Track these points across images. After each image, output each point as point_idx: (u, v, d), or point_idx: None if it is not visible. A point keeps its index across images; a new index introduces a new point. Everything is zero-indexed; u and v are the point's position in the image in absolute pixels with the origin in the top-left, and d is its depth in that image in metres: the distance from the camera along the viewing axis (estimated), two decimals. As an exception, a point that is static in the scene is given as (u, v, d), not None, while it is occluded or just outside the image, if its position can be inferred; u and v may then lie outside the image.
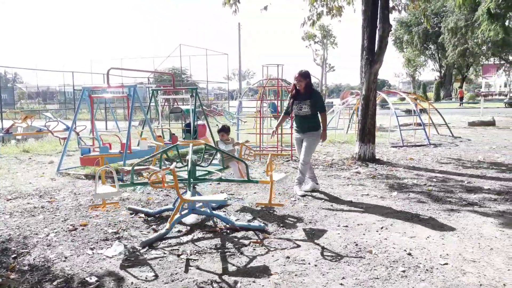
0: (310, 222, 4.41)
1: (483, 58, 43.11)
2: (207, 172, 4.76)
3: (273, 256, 3.51)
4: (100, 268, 3.31)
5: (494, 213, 4.67)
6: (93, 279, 3.09)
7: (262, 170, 7.34)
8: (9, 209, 5.00)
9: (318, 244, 3.76)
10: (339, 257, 3.46)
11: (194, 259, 3.46)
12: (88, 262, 3.42)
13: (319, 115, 5.66)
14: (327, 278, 3.08)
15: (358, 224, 4.32)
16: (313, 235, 4.02)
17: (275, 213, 4.75)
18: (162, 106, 13.37)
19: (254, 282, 3.04)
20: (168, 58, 25.22)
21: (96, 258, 3.50)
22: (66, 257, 3.52)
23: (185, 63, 38.29)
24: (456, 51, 39.76)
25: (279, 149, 9.37)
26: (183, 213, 4.32)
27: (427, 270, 3.19)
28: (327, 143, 10.90)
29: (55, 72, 36.38)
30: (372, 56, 8.13)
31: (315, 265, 3.31)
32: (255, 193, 5.68)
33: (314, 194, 5.64)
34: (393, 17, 46.94)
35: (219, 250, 3.65)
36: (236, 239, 3.92)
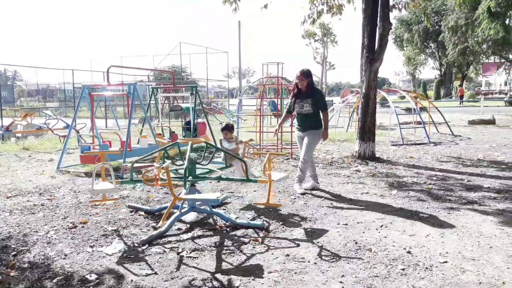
0: (309, 220, 4.41)
1: (483, 56, 43.05)
2: (208, 170, 4.76)
3: (272, 254, 3.52)
4: (100, 265, 3.31)
5: (493, 211, 4.67)
6: (93, 276, 3.10)
7: (262, 168, 7.33)
8: (9, 207, 5.00)
9: (317, 242, 3.76)
10: (338, 255, 3.46)
11: (193, 257, 3.47)
12: (88, 259, 3.43)
13: (320, 113, 5.67)
14: (326, 276, 3.08)
15: (358, 222, 4.32)
16: (312, 233, 4.02)
17: (274, 211, 4.75)
18: (162, 104, 13.36)
19: (253, 280, 3.04)
20: (168, 56, 25.24)
21: (96, 256, 3.50)
22: (66, 255, 3.52)
23: (185, 61, 38.25)
24: (456, 50, 39.70)
25: (279, 147, 9.37)
26: (183, 211, 4.32)
27: (426, 268, 3.20)
28: (327, 141, 10.89)
29: (55, 70, 36.38)
30: (372, 54, 8.12)
31: (315, 263, 3.31)
32: (255, 191, 5.69)
33: (314, 192, 5.64)
34: (394, 15, 46.84)
35: (219, 248, 3.65)
36: (236, 237, 3.92)
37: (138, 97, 7.89)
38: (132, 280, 3.04)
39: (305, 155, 5.59)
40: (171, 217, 4.17)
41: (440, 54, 49.46)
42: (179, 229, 4.16)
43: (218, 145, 5.55)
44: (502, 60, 44.10)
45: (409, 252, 3.51)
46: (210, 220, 4.43)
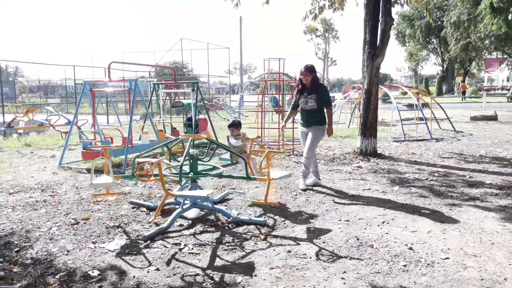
0: (311, 217, 4.41)
1: (486, 52, 42.87)
2: (212, 167, 4.76)
3: (274, 250, 3.52)
4: (102, 261, 3.32)
5: (495, 207, 4.67)
6: (95, 272, 3.11)
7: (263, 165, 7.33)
8: (11, 203, 5.02)
9: (319, 239, 3.76)
10: (340, 252, 3.47)
11: (195, 253, 3.48)
12: (90, 255, 3.44)
13: (325, 109, 5.66)
14: (328, 272, 3.09)
15: (360, 219, 4.33)
16: (314, 229, 4.02)
17: (276, 207, 4.75)
18: (164, 100, 13.35)
19: (255, 276, 3.05)
20: (169, 52, 25.18)
21: (98, 252, 3.51)
22: (68, 251, 3.53)
23: (186, 57, 38.24)
24: (459, 45, 39.56)
25: (280, 144, 9.37)
26: (184, 207, 4.33)
27: (428, 264, 3.20)
28: (329, 138, 10.88)
29: (57, 66, 36.26)
30: (374, 50, 8.09)
31: (316, 259, 3.32)
32: (256, 187, 5.69)
33: (315, 188, 5.64)
34: (396, 10, 46.76)
35: (221, 244, 3.66)
36: (237, 233, 3.93)
37: (139, 93, 7.89)
38: (134, 276, 3.05)
39: (309, 151, 5.59)
40: (173, 214, 4.18)
41: (442, 49, 49.27)
42: (181, 225, 4.17)
43: (225, 142, 5.54)
44: (505, 56, 43.91)
45: (410, 248, 3.51)
46: (212, 217, 4.44)
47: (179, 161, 4.82)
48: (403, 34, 49.85)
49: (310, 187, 5.66)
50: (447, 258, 3.30)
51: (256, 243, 3.68)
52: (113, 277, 3.05)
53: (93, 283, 2.96)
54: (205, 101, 15.28)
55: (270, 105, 15.81)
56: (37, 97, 39.07)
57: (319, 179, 5.89)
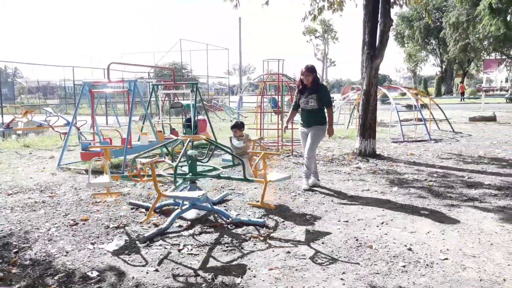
0: (310, 217, 4.41)
1: (485, 53, 42.92)
2: (212, 168, 4.75)
3: (273, 251, 3.52)
4: (101, 262, 3.32)
5: (494, 208, 4.67)
6: (94, 273, 3.11)
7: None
8: (10, 204, 5.01)
9: (318, 239, 3.76)
10: (339, 252, 3.47)
11: (194, 254, 3.47)
12: (89, 256, 3.43)
13: (325, 109, 5.67)
14: (327, 273, 3.09)
15: (359, 219, 4.33)
16: (313, 230, 4.02)
17: (275, 208, 4.75)
18: (163, 101, 13.34)
19: (255, 277, 3.05)
20: (168, 53, 25.17)
21: (97, 253, 3.51)
22: (67, 252, 3.53)
23: (186, 58, 38.25)
24: (458, 46, 39.61)
25: (279, 144, 9.37)
26: (183, 208, 4.33)
27: (427, 265, 3.20)
28: (328, 138, 10.89)
29: (56, 67, 36.15)
30: (373, 51, 8.10)
31: (316, 260, 3.32)
32: (255, 188, 5.69)
33: (315, 189, 5.64)
34: (395, 11, 46.77)
35: (220, 245, 3.66)
36: (236, 234, 3.92)
37: (138, 94, 7.88)
38: (133, 277, 3.05)
39: (309, 151, 5.59)
40: (172, 214, 4.18)
41: (441, 50, 49.34)
42: (180, 226, 4.17)
43: (225, 143, 5.54)
44: (503, 57, 43.98)
45: (409, 249, 3.52)
46: (211, 218, 4.44)
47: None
48: (402, 35, 49.92)
49: (310, 186, 5.66)
50: (446, 259, 3.31)
51: (255, 244, 3.67)
52: (112, 278, 3.04)
53: (92, 284, 2.96)
54: (204, 102, 15.28)
55: (269, 106, 15.81)
56: (36, 98, 39.00)
57: (318, 179, 5.89)
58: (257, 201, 4.90)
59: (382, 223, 4.21)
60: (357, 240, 3.74)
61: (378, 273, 3.07)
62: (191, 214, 4.43)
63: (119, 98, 24.37)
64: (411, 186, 5.77)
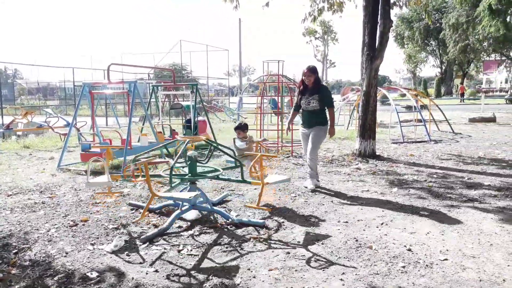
0: (310, 218, 4.42)
1: (484, 54, 42.96)
2: (213, 169, 4.76)
3: (273, 251, 3.52)
4: (101, 263, 3.32)
5: (494, 209, 4.68)
6: (94, 274, 3.11)
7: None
8: (10, 205, 5.01)
9: (318, 240, 3.76)
10: (339, 253, 3.47)
11: (194, 255, 3.47)
12: (89, 257, 3.44)
13: (326, 110, 5.67)
14: (327, 274, 3.09)
15: (358, 220, 4.33)
16: (313, 231, 4.02)
17: (275, 209, 4.76)
18: (163, 102, 13.35)
19: (254, 277, 3.05)
20: (168, 54, 25.22)
21: (96, 254, 3.51)
22: (67, 253, 3.53)
23: (186, 59, 38.26)
24: (457, 47, 39.65)
25: (279, 145, 9.37)
26: (183, 209, 4.33)
27: (427, 265, 3.20)
28: (328, 139, 10.90)
29: (56, 68, 36.22)
30: (373, 52, 8.11)
31: (315, 261, 3.32)
32: (255, 189, 5.68)
33: (315, 190, 5.63)
34: (394, 13, 46.81)
35: (220, 246, 3.66)
36: (236, 235, 3.93)
37: (138, 95, 7.89)
38: (133, 278, 3.05)
39: (312, 152, 5.59)
40: (172, 215, 4.18)
41: (441, 51, 49.36)
42: (179, 227, 4.17)
43: (226, 144, 5.55)
44: (503, 58, 44.00)
45: (409, 249, 3.52)
46: (211, 218, 4.44)
47: (179, 162, 4.83)
48: (402, 36, 49.94)
49: (314, 188, 5.67)
50: (446, 259, 3.31)
51: (255, 245, 3.68)
52: (112, 279, 3.04)
53: (92, 284, 2.96)
54: (204, 103, 15.29)
55: (269, 107, 15.83)
56: (36, 99, 38.97)
57: (318, 180, 5.89)
58: (251, 204, 4.86)
59: (382, 223, 4.21)
60: (356, 240, 3.74)
61: (377, 274, 3.07)
62: (191, 215, 4.43)
63: (119, 99, 24.39)
64: (411, 187, 5.78)
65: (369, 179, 6.36)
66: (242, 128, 5.50)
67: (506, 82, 58.37)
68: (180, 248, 3.62)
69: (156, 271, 3.17)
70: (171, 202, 4.79)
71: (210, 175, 4.62)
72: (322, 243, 3.68)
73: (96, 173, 6.63)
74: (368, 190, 5.63)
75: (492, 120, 16.15)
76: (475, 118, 16.51)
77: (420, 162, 7.77)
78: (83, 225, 4.25)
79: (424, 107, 15.09)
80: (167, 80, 20.61)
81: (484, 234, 3.88)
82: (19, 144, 10.49)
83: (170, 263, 3.32)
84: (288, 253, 3.48)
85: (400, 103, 20.65)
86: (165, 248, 3.61)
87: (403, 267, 3.18)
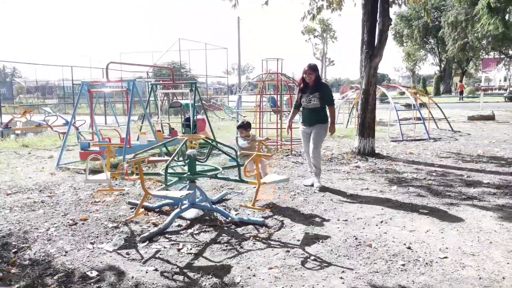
0: (309, 216, 4.42)
1: (483, 52, 43.01)
2: (214, 167, 4.75)
3: (273, 250, 3.52)
4: (101, 262, 3.32)
5: (493, 207, 4.68)
6: (94, 273, 3.10)
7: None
8: (9, 204, 5.00)
9: (317, 238, 3.77)
10: (338, 251, 3.47)
11: (194, 253, 3.47)
12: (88, 256, 3.43)
13: (327, 108, 5.67)
14: (326, 272, 3.09)
15: (358, 218, 4.33)
16: (312, 229, 4.02)
17: (274, 207, 4.76)
18: (162, 100, 13.34)
19: (254, 276, 3.05)
20: (167, 53, 25.14)
21: (96, 253, 3.51)
22: (66, 252, 3.52)
23: (184, 57, 38.17)
24: (456, 45, 39.67)
25: (278, 144, 9.37)
26: (183, 207, 4.32)
27: (426, 263, 3.21)
28: (327, 138, 10.89)
29: (54, 67, 36.16)
30: (372, 50, 8.11)
31: (315, 259, 3.32)
32: (254, 187, 5.67)
33: (314, 188, 5.64)
34: (393, 11, 46.92)
35: (219, 244, 3.66)
36: (236, 234, 3.92)
37: (137, 93, 7.88)
38: (132, 277, 3.05)
39: (315, 150, 5.59)
40: (171, 214, 4.18)
41: (439, 49, 49.39)
42: (179, 225, 4.17)
43: (226, 143, 5.54)
44: (502, 56, 44.09)
45: (409, 247, 3.52)
46: (211, 217, 4.44)
47: (176, 160, 4.82)
48: (401, 34, 49.95)
49: (309, 187, 5.66)
50: (445, 257, 3.31)
51: (254, 243, 3.68)
52: (112, 278, 3.04)
53: (92, 283, 2.96)
54: (203, 102, 15.26)
55: (268, 105, 15.81)
56: (34, 98, 38.92)
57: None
58: (246, 204, 4.82)
59: (382, 222, 4.21)
60: (356, 239, 3.74)
61: (377, 272, 3.08)
62: (191, 213, 4.43)
63: (118, 97, 24.37)
64: (410, 185, 5.78)
65: (369, 177, 6.36)
66: (245, 126, 5.49)
67: (505, 80, 58.48)
68: (180, 246, 3.62)
69: (156, 269, 3.17)
70: (169, 201, 4.78)
71: (208, 174, 4.61)
72: (322, 242, 3.69)
73: (95, 171, 6.61)
74: (367, 188, 5.63)
75: (491, 118, 16.17)
76: (474, 116, 16.52)
77: (419, 160, 7.78)
78: (83, 224, 4.25)
79: (423, 105, 15.10)
80: (166, 79, 20.58)
81: (483, 232, 3.89)
82: (18, 143, 10.48)
83: (170, 262, 3.32)
84: (288, 251, 3.48)
85: (399, 101, 20.69)
86: (164, 247, 3.61)
87: (403, 265, 3.19)
